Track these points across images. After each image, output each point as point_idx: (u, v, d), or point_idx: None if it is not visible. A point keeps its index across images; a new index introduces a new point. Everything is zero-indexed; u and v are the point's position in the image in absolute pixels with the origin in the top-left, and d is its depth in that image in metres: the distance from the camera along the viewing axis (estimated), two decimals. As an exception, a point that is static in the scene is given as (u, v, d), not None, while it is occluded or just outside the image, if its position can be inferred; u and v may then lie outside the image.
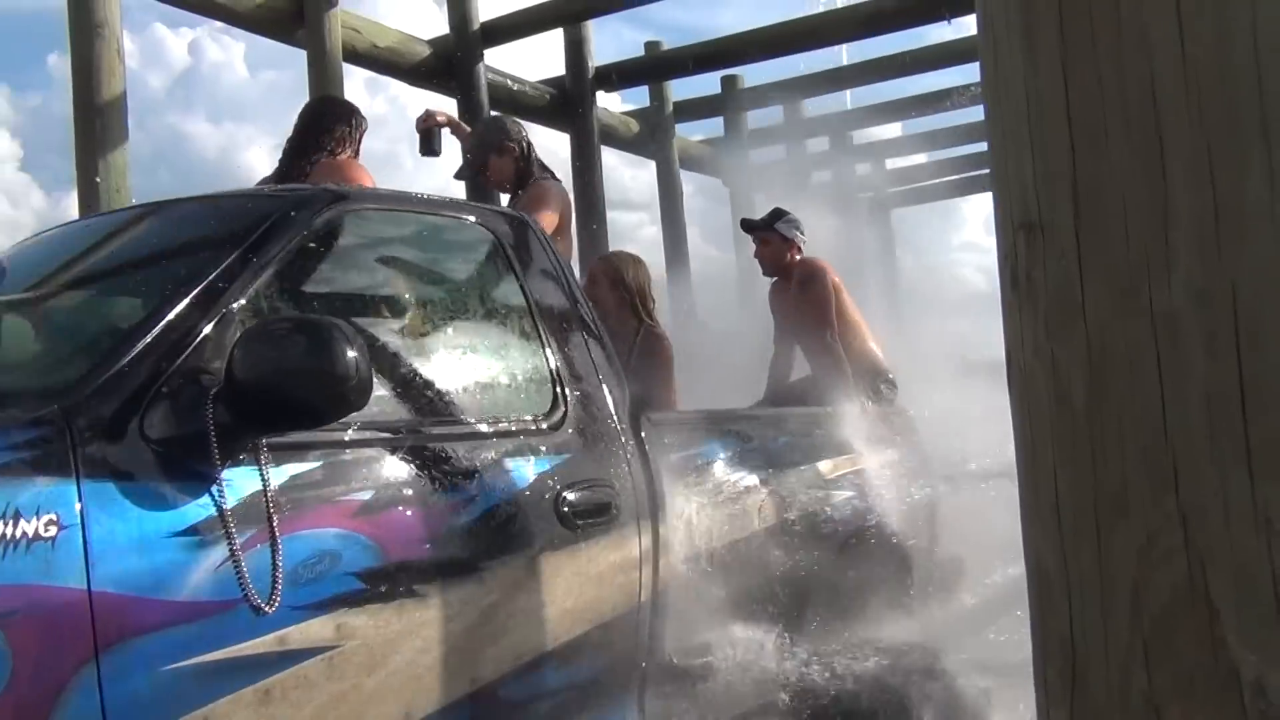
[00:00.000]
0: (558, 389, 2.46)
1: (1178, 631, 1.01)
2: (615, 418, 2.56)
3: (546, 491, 2.30)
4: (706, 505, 2.72)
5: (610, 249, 8.56)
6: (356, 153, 3.66)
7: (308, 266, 2.24)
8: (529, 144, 4.27)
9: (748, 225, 4.64)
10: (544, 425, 2.39)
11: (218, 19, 6.51)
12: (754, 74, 10.32)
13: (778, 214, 4.53)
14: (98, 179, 5.09)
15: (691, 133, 11.15)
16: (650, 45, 9.67)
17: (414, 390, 2.27)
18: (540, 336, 2.50)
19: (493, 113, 6.48)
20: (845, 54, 9.79)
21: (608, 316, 3.41)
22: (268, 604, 1.74)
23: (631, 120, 10.10)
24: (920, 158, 12.92)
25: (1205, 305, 0.99)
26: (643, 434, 2.60)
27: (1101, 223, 1.04)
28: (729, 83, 10.45)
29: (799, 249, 4.49)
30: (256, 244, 2.08)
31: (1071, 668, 1.11)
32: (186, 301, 1.92)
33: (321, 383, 1.74)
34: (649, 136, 9.94)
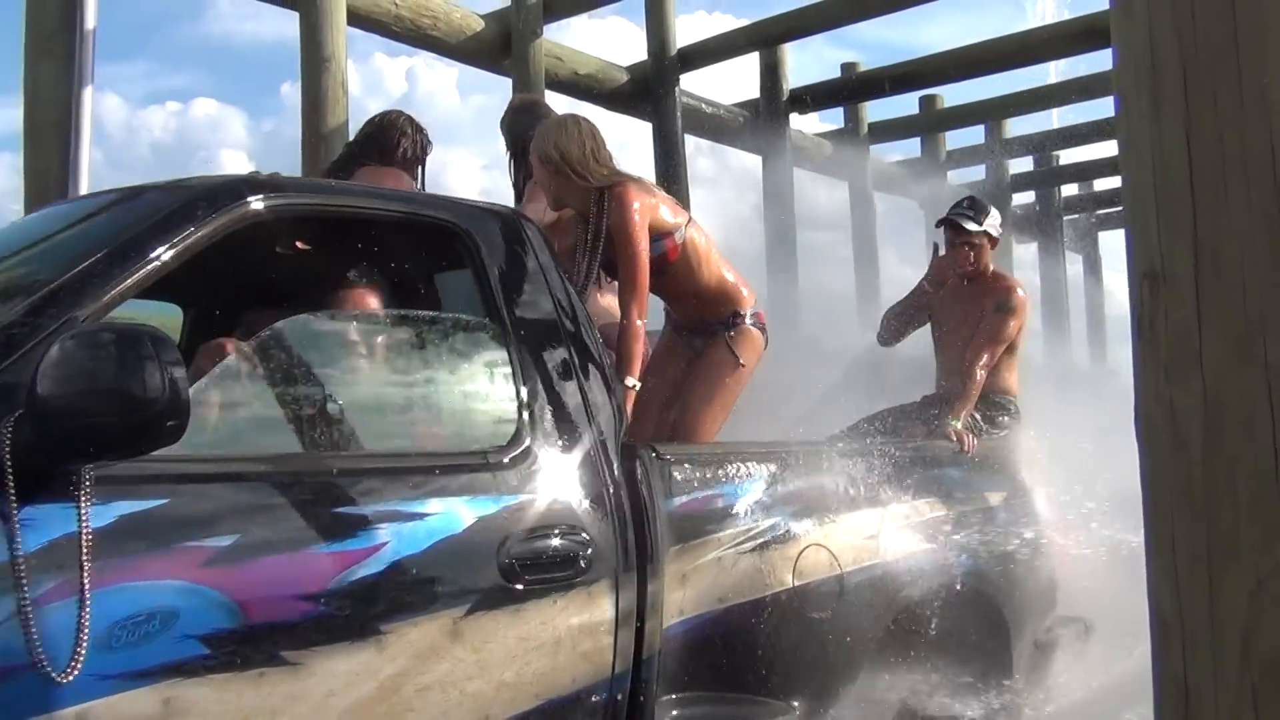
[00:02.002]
0: (524, 416, 2.08)
1: (1286, 677, 1.04)
2: (600, 451, 2.15)
3: (488, 540, 1.92)
4: (722, 557, 2.28)
5: (799, 269, 8.64)
6: (415, 173, 3.51)
7: (203, 268, 1.94)
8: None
9: (956, 224, 3.87)
10: (497, 460, 2.01)
11: (432, 51, 6.96)
12: (955, 93, 10.16)
13: (981, 207, 3.91)
14: None
15: (888, 153, 11.07)
16: (847, 66, 9.67)
17: (313, 415, 1.94)
18: (511, 354, 2.13)
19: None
20: (1053, 71, 9.50)
21: (578, 216, 2.91)
22: (62, 672, 1.41)
23: (825, 142, 10.11)
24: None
25: (1322, 359, 1.02)
26: (639, 470, 2.19)
27: (1220, 275, 1.08)
28: (928, 102, 10.32)
29: (996, 242, 3.93)
30: (135, 242, 1.78)
31: (1184, 710, 1.14)
32: (24, 306, 1.64)
33: (121, 405, 1.44)
34: (843, 157, 9.92)
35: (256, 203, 1.93)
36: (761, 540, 2.36)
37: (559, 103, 8.38)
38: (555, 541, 2.00)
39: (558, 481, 2.07)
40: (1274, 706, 1.05)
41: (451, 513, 1.90)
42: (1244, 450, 1.07)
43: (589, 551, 2.03)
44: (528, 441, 2.05)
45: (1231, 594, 1.08)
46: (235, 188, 1.96)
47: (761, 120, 8.83)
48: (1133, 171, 1.20)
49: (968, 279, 3.89)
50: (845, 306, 8.16)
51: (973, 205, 3.92)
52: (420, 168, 3.56)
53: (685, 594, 2.19)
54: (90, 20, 4.51)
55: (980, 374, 3.60)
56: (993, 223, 3.86)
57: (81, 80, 4.47)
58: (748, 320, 2.95)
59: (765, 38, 8.28)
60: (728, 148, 9.06)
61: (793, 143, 9.12)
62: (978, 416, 3.60)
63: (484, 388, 2.19)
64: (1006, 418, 3.72)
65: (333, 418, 1.97)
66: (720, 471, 2.39)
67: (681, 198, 7.92)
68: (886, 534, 2.63)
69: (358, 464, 1.93)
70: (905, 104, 10.47)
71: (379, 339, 2.20)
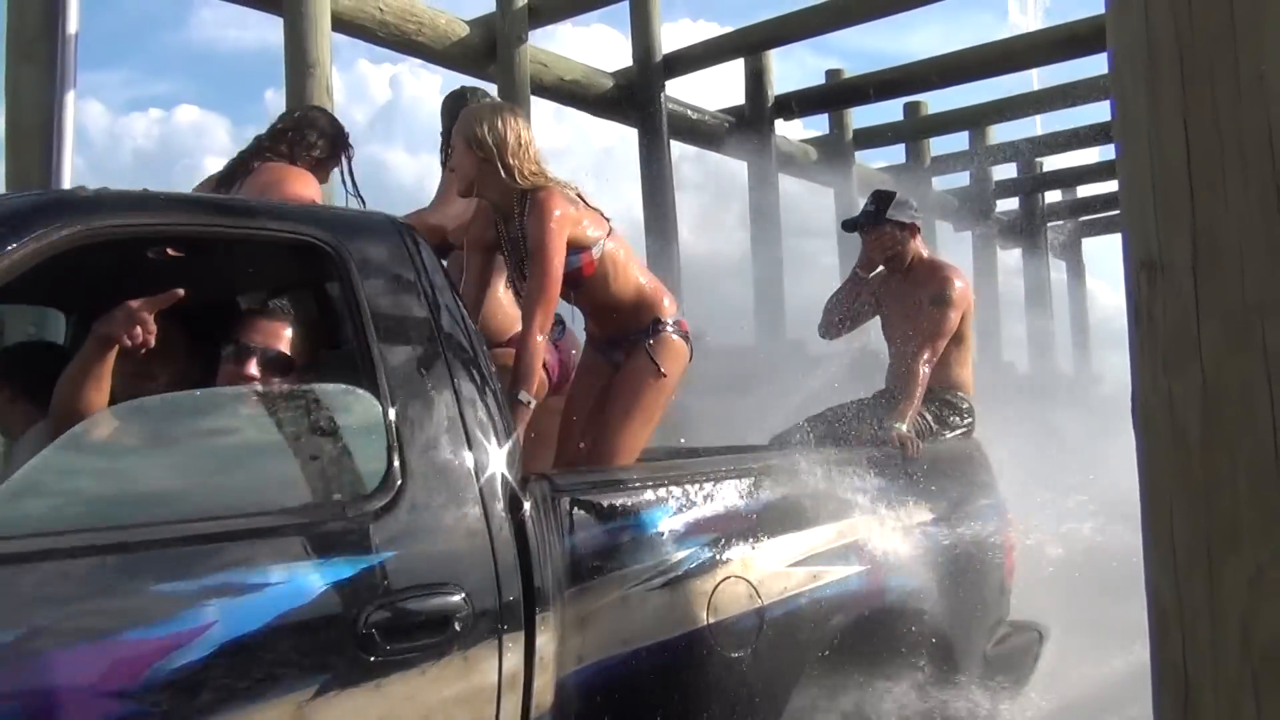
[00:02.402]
0: (394, 459, 1.80)
1: (1287, 665, 1.03)
2: (484, 492, 1.88)
3: (343, 608, 1.66)
4: (628, 596, 2.03)
5: (785, 275, 8.66)
6: (324, 176, 3.28)
7: (69, 274, 1.78)
8: None
9: (851, 225, 3.86)
10: (358, 512, 1.74)
11: (417, 57, 6.95)
12: (939, 100, 10.21)
13: (883, 199, 3.74)
14: None
15: (872, 159, 11.12)
16: (832, 73, 9.72)
17: (118, 474, 1.67)
18: (380, 387, 1.85)
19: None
20: (1036, 79, 9.56)
21: (494, 209, 2.69)
22: None
23: (810, 148, 10.15)
24: (1114, 185, 12.43)
25: (1320, 346, 1.02)
26: (530, 507, 1.93)
27: (1218, 262, 1.08)
28: (912, 109, 10.37)
29: (917, 229, 3.73)
30: None
31: (1184, 698, 1.14)
32: None
33: None
34: (828, 164, 9.96)
35: (68, 227, 1.67)
36: (672, 574, 2.10)
37: (543, 109, 8.34)
38: (426, 603, 1.74)
39: (432, 532, 1.81)
40: (1275, 694, 1.05)
41: (297, 581, 1.63)
42: (1243, 436, 1.07)
43: (466, 610, 1.76)
44: (397, 488, 1.78)
45: (1231, 582, 1.08)
46: (47, 209, 1.72)
47: (747, 126, 8.86)
48: (1130, 161, 1.20)
49: (899, 270, 3.73)
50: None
51: (875, 199, 3.77)
52: (342, 171, 3.33)
53: (585, 639, 1.95)
54: (72, 25, 4.49)
55: (923, 371, 3.39)
56: (904, 210, 3.68)
57: (64, 85, 4.44)
58: (669, 328, 2.77)
59: (750, 44, 8.30)
60: (713, 154, 9.07)
61: (778, 149, 9.14)
62: (928, 416, 3.42)
63: (348, 428, 1.86)
64: (958, 417, 3.53)
65: (149, 478, 1.68)
66: (625, 500, 2.14)
67: (666, 204, 7.97)
68: (815, 558, 2.38)
69: (175, 531, 1.59)
70: (890, 111, 10.54)
71: (216, 381, 2.01)
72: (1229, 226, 1.08)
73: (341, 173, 3.34)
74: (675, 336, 2.78)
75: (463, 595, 1.77)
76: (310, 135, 3.24)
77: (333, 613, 1.65)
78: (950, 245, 11.41)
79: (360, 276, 1.93)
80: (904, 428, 3.12)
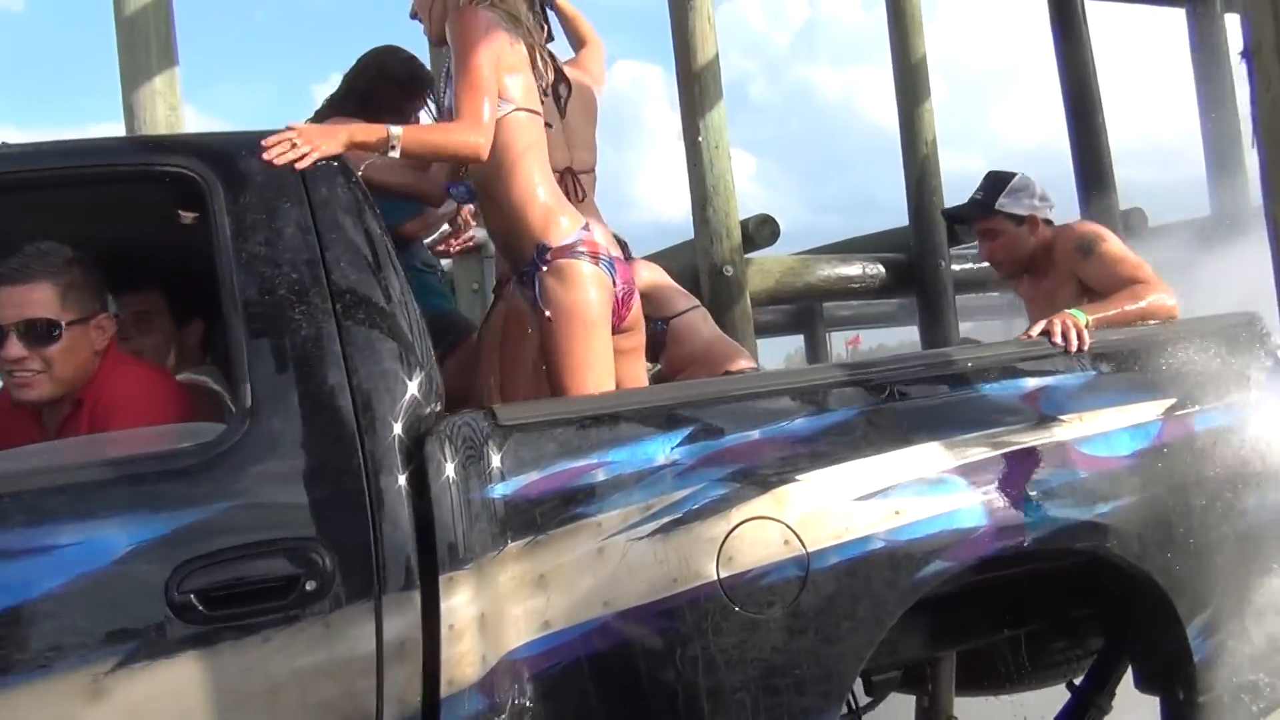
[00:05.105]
0: (246, 402, 1.63)
1: None
2: (363, 428, 1.64)
3: (152, 572, 1.49)
4: (605, 547, 1.67)
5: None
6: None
7: None
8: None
9: (954, 215, 3.16)
10: (184, 464, 1.59)
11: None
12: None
13: (995, 183, 2.97)
14: (700, 138, 5.55)
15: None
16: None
17: None
18: (233, 319, 1.69)
19: None
20: None
21: None
22: None
23: None
24: None
25: None
26: (434, 448, 1.65)
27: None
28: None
29: (1042, 221, 2.95)
30: None
31: None
32: None
33: None
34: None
35: None
36: (667, 519, 1.70)
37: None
38: (266, 563, 1.54)
39: (285, 480, 1.60)
40: None
41: (95, 541, 1.49)
42: None
43: (324, 570, 1.54)
44: (242, 431, 1.60)
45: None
46: None
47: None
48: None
49: (1029, 270, 2.99)
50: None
51: (986, 182, 3.01)
52: (434, 116, 2.85)
53: (550, 601, 1.64)
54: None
55: (1142, 312, 2.54)
56: (1020, 200, 2.92)
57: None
58: (570, 255, 2.17)
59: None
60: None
61: None
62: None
63: (199, 371, 1.70)
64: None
65: None
66: (600, 432, 1.76)
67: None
68: (895, 489, 1.83)
69: None
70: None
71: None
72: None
73: (430, 118, 2.90)
74: (573, 260, 2.18)
75: (319, 553, 1.55)
76: (371, 82, 2.89)
77: (140, 577, 1.49)
78: None
79: (229, 207, 1.74)
80: (1082, 318, 2.29)
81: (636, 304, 2.42)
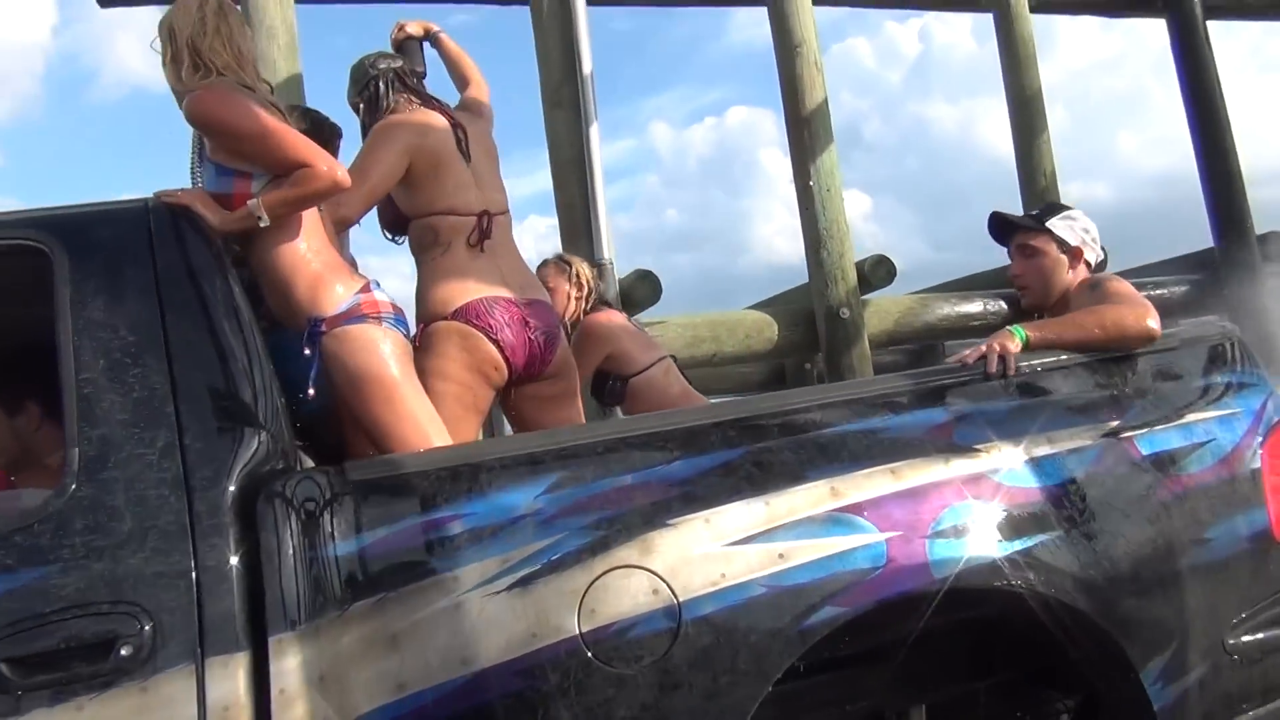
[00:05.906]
0: (73, 470, 1.63)
1: None
2: (194, 489, 1.64)
3: None
4: (463, 603, 1.61)
5: None
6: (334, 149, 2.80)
7: None
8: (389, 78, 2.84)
9: (1003, 219, 2.83)
10: (8, 525, 1.60)
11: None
12: None
13: (1054, 208, 2.86)
14: (811, 182, 5.60)
15: None
16: None
17: None
18: (66, 381, 1.71)
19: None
20: None
21: None
22: None
23: None
24: None
25: None
26: (265, 508, 1.64)
27: None
28: None
29: (1084, 262, 2.72)
30: None
31: None
32: None
33: None
34: None
35: None
36: (524, 572, 1.64)
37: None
38: (76, 628, 1.52)
39: (107, 544, 1.59)
40: None
41: None
42: None
43: (138, 633, 1.53)
44: (69, 493, 1.61)
45: None
46: None
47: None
48: None
49: (1036, 306, 2.74)
50: None
51: (1044, 207, 2.89)
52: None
53: (404, 661, 1.58)
54: (587, 66, 5.22)
55: (1104, 326, 2.23)
56: (1072, 227, 2.72)
57: (587, 121, 5.19)
58: (342, 323, 2.12)
59: None
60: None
61: None
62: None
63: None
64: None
65: None
66: (455, 486, 1.71)
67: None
68: (780, 530, 1.72)
69: None
70: None
71: None
72: None
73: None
74: (349, 326, 2.12)
75: (137, 616, 1.55)
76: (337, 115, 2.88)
77: None
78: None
79: (70, 273, 1.78)
80: (1022, 336, 2.16)
81: (561, 349, 2.50)
